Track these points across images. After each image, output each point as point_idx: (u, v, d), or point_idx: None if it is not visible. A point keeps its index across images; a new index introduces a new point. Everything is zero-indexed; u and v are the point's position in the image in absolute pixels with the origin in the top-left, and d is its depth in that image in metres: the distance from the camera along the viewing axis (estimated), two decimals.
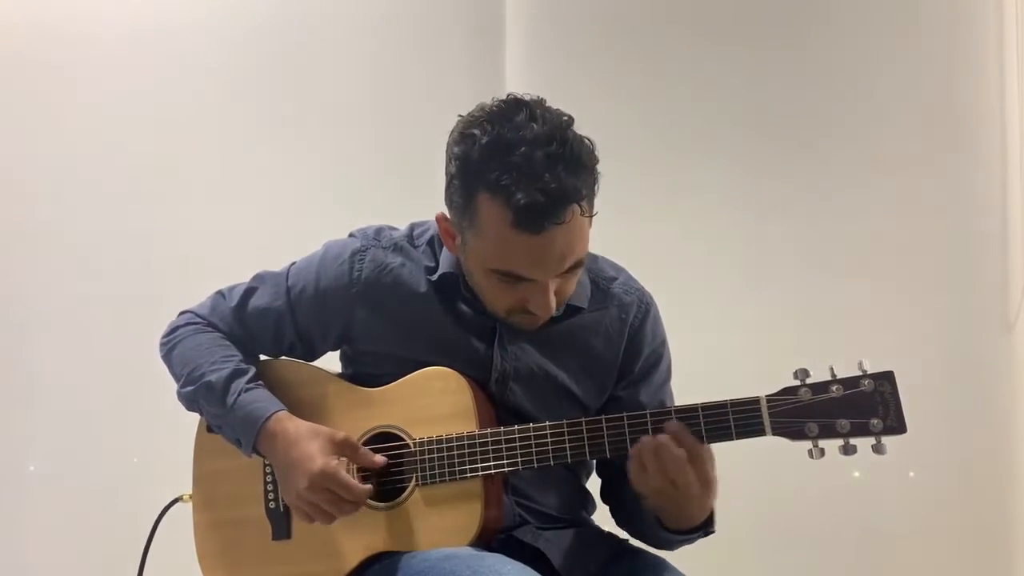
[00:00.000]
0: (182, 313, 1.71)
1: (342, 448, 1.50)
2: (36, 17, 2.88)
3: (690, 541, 1.54)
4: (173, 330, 1.68)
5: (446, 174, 1.48)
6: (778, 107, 2.73)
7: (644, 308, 1.64)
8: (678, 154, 2.76)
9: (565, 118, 1.43)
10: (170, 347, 1.67)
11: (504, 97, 1.46)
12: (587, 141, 1.43)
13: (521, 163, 1.36)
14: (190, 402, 1.63)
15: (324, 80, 2.88)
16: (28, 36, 2.88)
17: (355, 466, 1.52)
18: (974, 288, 2.66)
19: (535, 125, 1.39)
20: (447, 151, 1.47)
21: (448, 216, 1.51)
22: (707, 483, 1.41)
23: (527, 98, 1.45)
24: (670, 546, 1.58)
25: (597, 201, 1.45)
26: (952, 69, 2.71)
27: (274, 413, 1.54)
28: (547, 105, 1.44)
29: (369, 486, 1.49)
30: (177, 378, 1.65)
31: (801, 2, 2.78)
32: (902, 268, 2.67)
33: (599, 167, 1.44)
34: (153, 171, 2.84)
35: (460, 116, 1.48)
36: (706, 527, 1.51)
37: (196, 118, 2.86)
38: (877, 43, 2.72)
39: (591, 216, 1.44)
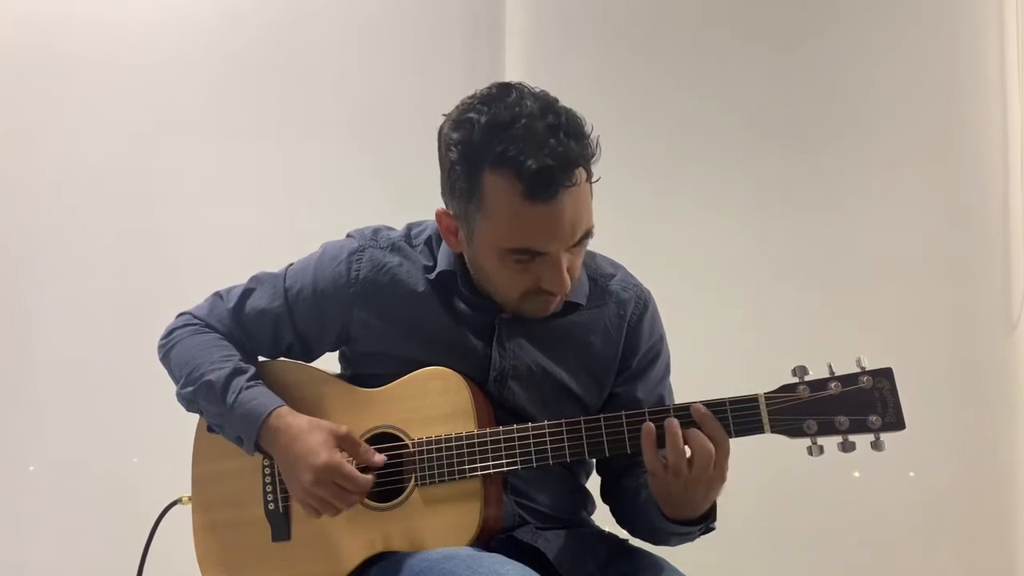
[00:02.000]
0: (179, 315, 1.70)
1: (344, 442, 1.51)
2: (36, 17, 2.89)
3: (690, 537, 1.53)
4: (170, 332, 1.68)
5: (443, 163, 1.48)
6: (780, 107, 2.73)
7: (642, 304, 1.64)
8: (679, 154, 2.76)
9: (551, 96, 1.46)
10: (168, 348, 1.66)
11: (487, 87, 1.48)
12: (576, 112, 1.45)
13: (524, 134, 1.39)
14: (190, 402, 1.63)
15: (323, 80, 2.88)
16: (28, 36, 2.88)
17: (355, 463, 1.52)
18: (976, 289, 2.65)
19: (528, 102, 1.42)
20: (442, 142, 1.48)
21: (449, 211, 1.51)
22: (721, 474, 1.41)
23: (511, 82, 1.47)
24: (669, 540, 1.56)
25: (596, 198, 1.46)
26: (953, 70, 2.71)
27: (275, 409, 1.54)
28: (530, 85, 1.47)
29: (371, 477, 1.49)
30: (176, 379, 1.64)
31: (803, 3, 2.78)
32: (904, 269, 2.66)
33: (596, 152, 1.46)
34: (152, 172, 2.84)
35: (444, 115, 1.49)
36: (706, 522, 1.50)
37: (195, 119, 2.86)
38: (878, 44, 2.72)
39: (592, 183, 1.45)
